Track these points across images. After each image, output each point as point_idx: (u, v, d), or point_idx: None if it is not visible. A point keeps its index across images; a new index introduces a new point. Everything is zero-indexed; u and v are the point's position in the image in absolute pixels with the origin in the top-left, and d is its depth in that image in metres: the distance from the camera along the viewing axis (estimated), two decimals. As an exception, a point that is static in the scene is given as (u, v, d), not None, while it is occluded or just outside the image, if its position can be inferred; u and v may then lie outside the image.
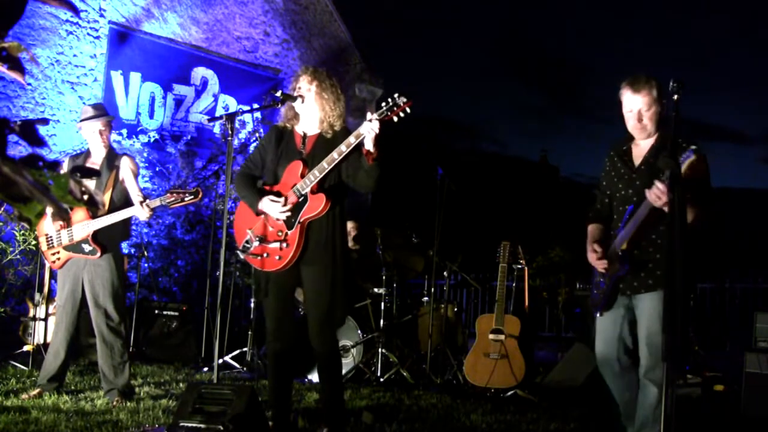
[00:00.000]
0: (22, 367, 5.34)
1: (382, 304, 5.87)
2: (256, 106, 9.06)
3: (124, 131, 8.27)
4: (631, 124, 3.16)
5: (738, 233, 17.44)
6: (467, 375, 5.40)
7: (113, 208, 4.33)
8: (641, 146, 3.22)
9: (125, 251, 6.02)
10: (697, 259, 3.08)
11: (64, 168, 4.39)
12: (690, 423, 4.34)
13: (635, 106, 3.11)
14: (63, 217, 4.02)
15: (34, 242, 6.13)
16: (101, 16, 8.26)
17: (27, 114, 7.65)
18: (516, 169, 23.48)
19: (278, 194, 3.38)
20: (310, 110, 3.44)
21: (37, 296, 5.84)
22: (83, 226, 4.29)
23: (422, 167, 10.66)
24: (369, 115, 3.19)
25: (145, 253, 6.72)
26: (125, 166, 4.45)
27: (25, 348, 5.71)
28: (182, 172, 8.33)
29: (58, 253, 4.39)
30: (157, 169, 8.31)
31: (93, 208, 4.15)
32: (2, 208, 5.56)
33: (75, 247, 4.33)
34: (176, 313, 6.56)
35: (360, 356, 5.66)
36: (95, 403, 4.19)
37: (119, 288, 4.39)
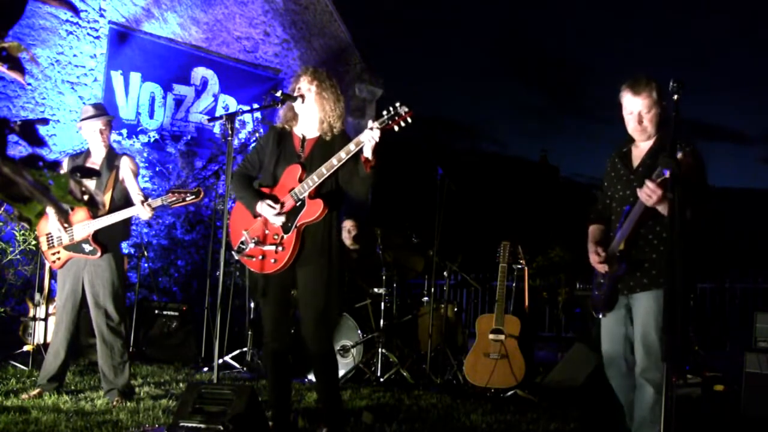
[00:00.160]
0: (22, 367, 5.34)
1: (382, 304, 5.87)
2: (256, 106, 9.06)
3: (124, 131, 8.27)
4: (631, 126, 3.17)
5: (738, 233, 17.43)
6: (467, 375, 5.40)
7: (113, 208, 4.33)
8: (641, 148, 3.23)
9: (125, 251, 6.02)
10: (697, 259, 3.09)
11: (64, 168, 4.39)
12: (690, 423, 4.34)
13: (635, 108, 3.12)
14: (63, 217, 4.02)
15: (34, 242, 6.14)
16: (101, 16, 8.26)
17: (27, 114, 7.65)
18: (516, 169, 23.48)
19: (276, 198, 3.38)
20: (310, 111, 3.44)
21: (37, 296, 5.84)
22: (84, 225, 4.29)
23: (422, 167, 10.66)
24: (370, 123, 3.19)
25: (145, 253, 6.72)
26: (125, 165, 4.45)
27: (25, 348, 5.71)
28: (182, 172, 8.33)
29: (59, 252, 4.39)
30: (157, 169, 8.30)
31: (93, 209, 4.15)
32: (2, 208, 5.56)
33: (75, 247, 4.33)
34: (176, 313, 6.56)
35: (360, 356, 5.66)
36: (95, 403, 4.19)
37: (119, 288, 4.39)
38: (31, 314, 5.89)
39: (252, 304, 6.33)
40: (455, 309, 6.59)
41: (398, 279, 6.07)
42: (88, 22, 8.16)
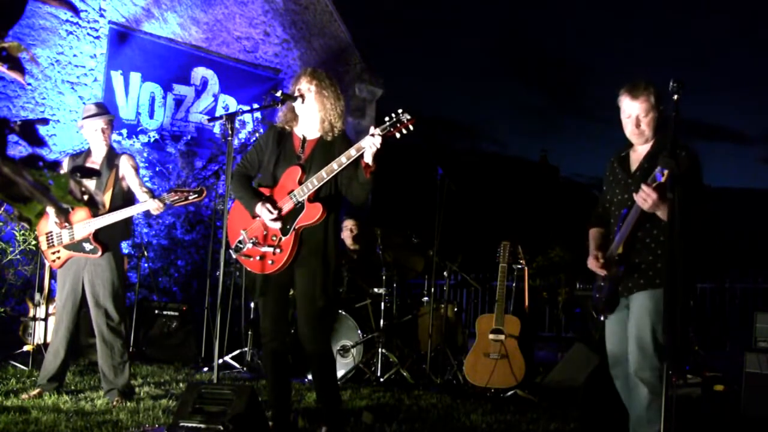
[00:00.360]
0: (22, 367, 5.34)
1: (382, 304, 5.87)
2: (256, 106, 9.06)
3: (124, 131, 8.26)
4: (629, 130, 3.19)
5: (738, 233, 17.44)
6: (467, 375, 5.40)
7: (114, 207, 4.33)
8: (639, 152, 3.26)
9: (125, 251, 6.02)
10: (696, 259, 3.10)
11: (64, 168, 4.39)
12: (690, 423, 4.34)
13: (633, 112, 3.15)
14: (63, 217, 4.03)
15: (34, 242, 6.14)
16: (101, 16, 8.26)
17: (27, 114, 7.65)
18: (516, 169, 23.47)
19: (275, 200, 3.39)
20: (311, 110, 3.44)
21: (37, 296, 5.84)
22: (84, 225, 4.29)
23: (422, 167, 10.66)
24: (372, 130, 3.19)
25: (145, 253, 6.72)
26: (124, 163, 4.45)
27: (25, 348, 5.71)
28: (182, 172, 8.33)
29: (59, 252, 4.39)
30: (157, 169, 8.30)
31: (93, 208, 4.15)
32: (2, 208, 5.56)
33: (76, 246, 4.33)
34: (176, 313, 6.56)
35: (360, 356, 5.66)
36: (95, 403, 4.19)
37: (119, 288, 4.39)
38: (31, 314, 5.89)
39: (251, 304, 6.33)
40: (455, 309, 6.59)
41: (398, 279, 6.07)
42: (88, 22, 8.16)
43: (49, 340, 5.22)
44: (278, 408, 3.46)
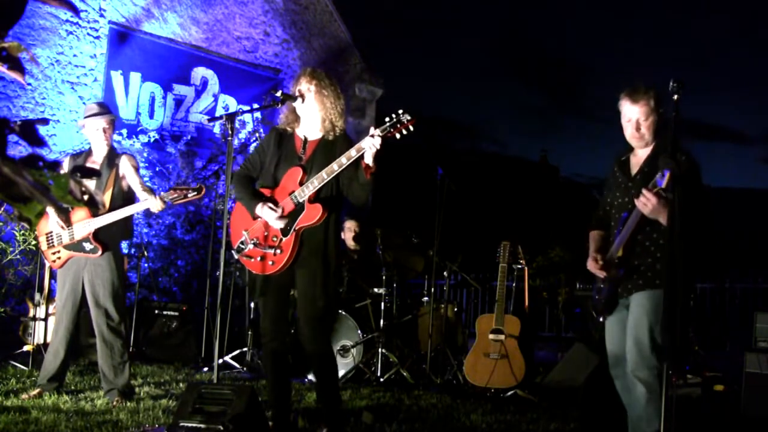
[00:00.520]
0: (22, 367, 5.34)
1: (382, 304, 5.87)
2: (256, 106, 9.06)
3: (124, 131, 8.26)
4: (629, 134, 3.20)
5: (738, 233, 17.44)
6: (467, 375, 5.40)
7: (114, 206, 4.32)
8: (639, 156, 3.28)
9: (125, 251, 6.02)
10: (695, 260, 3.11)
11: (65, 167, 4.38)
12: (690, 423, 4.34)
13: (633, 115, 3.16)
14: (63, 217, 4.02)
15: (34, 242, 6.13)
16: (101, 16, 8.26)
17: (27, 114, 7.65)
18: (516, 169, 23.46)
19: (275, 201, 3.39)
20: (311, 110, 3.44)
21: (37, 296, 5.84)
22: (84, 224, 4.29)
23: (422, 167, 10.66)
24: (372, 130, 3.20)
25: (145, 253, 6.72)
26: (125, 163, 4.45)
27: (25, 348, 5.71)
28: (182, 172, 8.33)
29: (59, 252, 4.39)
30: (157, 169, 8.30)
31: (93, 208, 4.15)
32: (2, 208, 5.56)
33: (76, 246, 4.33)
34: (176, 313, 6.56)
35: (360, 356, 5.66)
36: (95, 403, 4.19)
37: (119, 288, 4.39)
38: (31, 314, 5.89)
39: (252, 304, 6.33)
40: (455, 309, 6.59)
41: (398, 279, 6.07)
42: (88, 22, 8.16)
43: (49, 340, 5.22)
44: (278, 408, 3.46)
